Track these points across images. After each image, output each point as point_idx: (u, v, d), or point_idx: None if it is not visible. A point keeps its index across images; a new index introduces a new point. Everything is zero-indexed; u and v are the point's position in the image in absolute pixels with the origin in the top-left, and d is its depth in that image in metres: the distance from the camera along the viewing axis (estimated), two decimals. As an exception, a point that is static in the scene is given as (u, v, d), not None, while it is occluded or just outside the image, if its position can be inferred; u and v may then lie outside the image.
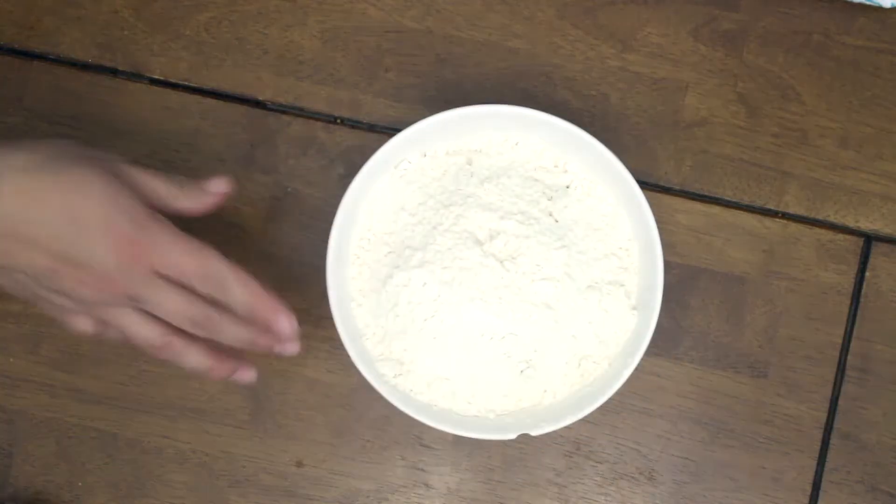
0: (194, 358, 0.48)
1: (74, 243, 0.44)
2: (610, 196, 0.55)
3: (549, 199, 0.54)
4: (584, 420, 0.52)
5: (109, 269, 0.44)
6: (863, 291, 0.59)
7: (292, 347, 0.49)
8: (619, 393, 0.52)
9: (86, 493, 0.59)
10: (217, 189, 0.50)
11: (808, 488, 0.59)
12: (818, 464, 0.59)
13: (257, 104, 0.60)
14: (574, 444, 0.59)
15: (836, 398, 0.59)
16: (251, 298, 0.47)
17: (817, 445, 0.59)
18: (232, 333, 0.47)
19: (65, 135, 0.59)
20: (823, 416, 0.59)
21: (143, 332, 0.47)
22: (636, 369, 0.52)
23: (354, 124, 0.60)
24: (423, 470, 0.59)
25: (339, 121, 0.60)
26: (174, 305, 0.46)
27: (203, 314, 0.46)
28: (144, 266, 0.45)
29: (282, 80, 0.59)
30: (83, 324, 0.48)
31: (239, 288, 0.46)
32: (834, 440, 0.59)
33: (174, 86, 0.60)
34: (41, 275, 0.45)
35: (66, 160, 0.45)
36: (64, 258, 0.44)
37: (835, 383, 0.59)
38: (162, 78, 0.60)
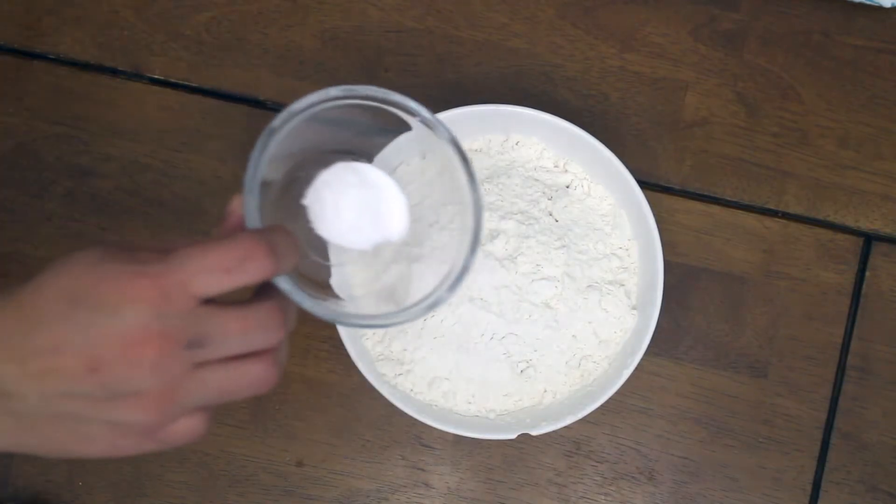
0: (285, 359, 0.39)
1: (91, 322, 0.34)
2: (610, 196, 0.55)
3: (549, 199, 0.54)
4: (584, 420, 0.52)
5: (145, 323, 0.34)
6: (863, 291, 0.59)
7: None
8: (619, 393, 0.52)
9: (86, 493, 0.59)
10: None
11: (808, 488, 0.59)
12: (818, 464, 0.59)
13: (257, 104, 0.60)
14: (574, 443, 0.59)
15: (836, 398, 0.59)
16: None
17: (817, 445, 0.59)
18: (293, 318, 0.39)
19: (65, 136, 0.59)
20: (823, 415, 0.59)
21: (247, 368, 0.37)
22: (636, 369, 0.52)
23: (354, 124, 0.60)
24: (423, 469, 0.59)
25: (339, 121, 0.60)
26: (242, 323, 0.36)
27: (277, 311, 0.37)
28: (186, 297, 0.34)
29: (282, 80, 0.59)
30: (187, 427, 0.36)
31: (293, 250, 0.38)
32: (834, 440, 0.59)
33: (174, 86, 0.60)
34: (87, 388, 0.34)
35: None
36: (91, 346, 0.34)
37: (835, 383, 0.59)
38: (162, 78, 0.60)
